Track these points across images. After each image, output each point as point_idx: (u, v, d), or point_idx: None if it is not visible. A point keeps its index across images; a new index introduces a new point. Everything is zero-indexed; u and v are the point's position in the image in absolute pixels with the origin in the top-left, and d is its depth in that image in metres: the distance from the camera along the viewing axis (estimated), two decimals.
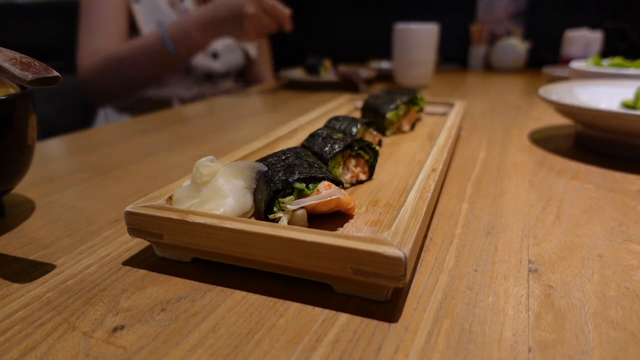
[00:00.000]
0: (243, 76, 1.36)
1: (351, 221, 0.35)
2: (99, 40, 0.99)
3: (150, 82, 1.06)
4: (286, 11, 0.98)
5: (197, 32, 0.94)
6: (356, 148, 0.43)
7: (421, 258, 0.32)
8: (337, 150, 0.41)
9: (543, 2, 1.58)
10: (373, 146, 0.44)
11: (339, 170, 0.42)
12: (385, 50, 1.37)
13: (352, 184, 0.43)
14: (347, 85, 1.11)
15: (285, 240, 0.27)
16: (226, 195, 0.33)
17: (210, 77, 1.18)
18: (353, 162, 0.43)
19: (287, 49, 1.74)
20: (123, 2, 1.04)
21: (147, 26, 1.07)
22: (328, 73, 1.20)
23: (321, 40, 2.10)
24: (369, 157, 0.44)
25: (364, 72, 1.14)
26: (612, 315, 0.26)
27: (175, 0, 1.10)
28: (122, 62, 0.96)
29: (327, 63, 1.22)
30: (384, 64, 1.40)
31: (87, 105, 1.13)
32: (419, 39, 1.08)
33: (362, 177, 0.44)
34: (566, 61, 1.19)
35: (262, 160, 0.37)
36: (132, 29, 1.07)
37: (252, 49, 1.28)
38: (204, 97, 1.06)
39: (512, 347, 0.23)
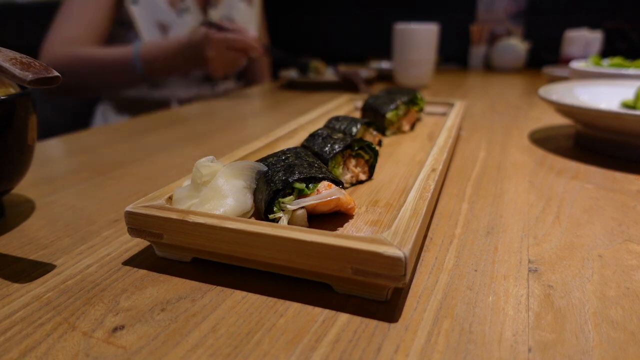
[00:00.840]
0: (243, 77, 1.36)
1: (351, 221, 0.35)
2: (71, 29, 0.97)
3: (107, 91, 1.07)
4: (251, 37, 0.96)
5: (164, 64, 0.95)
6: (356, 148, 0.43)
7: (421, 258, 0.32)
8: (337, 150, 0.41)
9: (543, 2, 1.58)
10: (373, 146, 0.44)
11: (339, 170, 0.42)
12: (385, 50, 1.36)
13: (352, 184, 0.43)
14: (347, 85, 1.11)
15: (285, 240, 0.27)
16: (226, 195, 0.33)
17: (209, 79, 1.18)
18: (353, 162, 0.43)
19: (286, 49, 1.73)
20: (111, 1, 1.02)
21: (147, 28, 1.06)
22: (321, 74, 1.18)
23: (321, 40, 2.10)
24: (369, 157, 0.44)
25: (364, 72, 1.14)
26: (612, 315, 0.26)
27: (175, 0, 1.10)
28: (85, 66, 0.95)
29: (319, 64, 1.18)
30: (384, 64, 1.40)
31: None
32: (419, 39, 1.08)
33: (362, 177, 0.44)
34: (566, 61, 1.19)
35: (262, 160, 0.37)
36: (125, 28, 1.07)
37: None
38: (203, 98, 1.06)
39: (512, 347, 0.23)
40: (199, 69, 0.97)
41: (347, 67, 1.29)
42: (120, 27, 1.06)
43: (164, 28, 1.09)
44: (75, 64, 0.95)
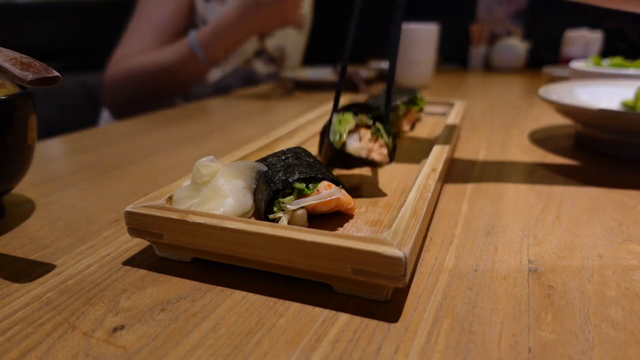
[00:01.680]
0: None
1: (351, 221, 0.35)
2: (138, 44, 0.91)
3: (172, 95, 1.01)
4: None
5: (223, 41, 0.88)
6: (373, 122, 0.39)
7: (421, 258, 0.32)
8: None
9: (543, 2, 1.58)
10: (389, 130, 0.40)
11: (345, 127, 0.38)
12: (385, 50, 1.36)
13: (364, 161, 0.39)
14: (347, 85, 1.11)
15: (285, 240, 0.27)
16: (226, 195, 0.33)
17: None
18: (368, 135, 0.39)
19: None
20: (186, 6, 0.96)
21: None
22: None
23: (321, 40, 2.10)
24: (388, 140, 0.39)
25: (364, 72, 1.14)
26: (612, 315, 0.26)
27: None
28: (149, 72, 0.90)
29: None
30: (384, 64, 1.40)
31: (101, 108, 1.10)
32: (419, 39, 1.08)
33: (376, 157, 0.39)
34: (566, 61, 1.19)
35: (262, 160, 0.37)
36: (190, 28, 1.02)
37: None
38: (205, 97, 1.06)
39: (512, 347, 0.23)
40: (270, 18, 0.89)
41: (333, 67, 1.29)
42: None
43: None
44: (138, 74, 0.90)
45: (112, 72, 0.93)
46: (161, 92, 0.97)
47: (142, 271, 0.31)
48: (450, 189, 0.45)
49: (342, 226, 0.35)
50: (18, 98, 0.36)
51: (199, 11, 0.99)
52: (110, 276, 0.30)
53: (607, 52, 1.27)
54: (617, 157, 0.53)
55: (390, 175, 0.45)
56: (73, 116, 1.22)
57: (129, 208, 0.31)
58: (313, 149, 0.51)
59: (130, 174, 0.52)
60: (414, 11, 1.79)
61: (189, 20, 0.99)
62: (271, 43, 1.16)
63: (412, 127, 0.64)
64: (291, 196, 0.33)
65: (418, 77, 1.12)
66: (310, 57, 1.32)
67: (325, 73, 1.23)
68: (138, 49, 0.92)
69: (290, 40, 1.22)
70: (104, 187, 0.48)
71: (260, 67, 1.15)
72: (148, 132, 0.74)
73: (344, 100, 0.74)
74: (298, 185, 0.33)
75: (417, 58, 1.09)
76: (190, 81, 0.97)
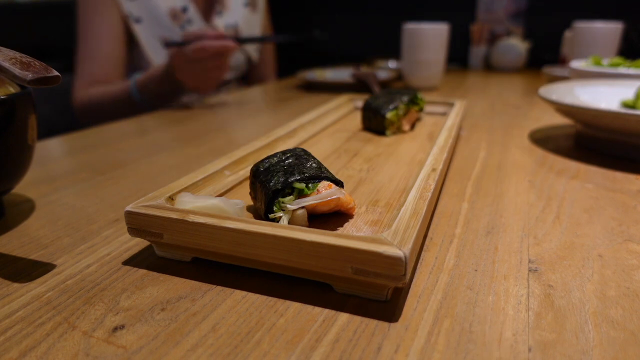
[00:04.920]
0: (246, 79, 1.35)
1: (351, 221, 0.35)
2: (92, 69, 1.05)
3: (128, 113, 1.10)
4: (210, 37, 0.84)
5: (155, 90, 0.96)
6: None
7: (421, 258, 0.32)
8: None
9: (543, 2, 1.58)
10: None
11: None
12: (386, 50, 1.36)
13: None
14: (359, 87, 1.05)
15: (285, 240, 0.27)
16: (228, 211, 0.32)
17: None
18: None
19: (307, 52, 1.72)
20: (119, 24, 1.05)
21: (150, 44, 1.07)
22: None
23: (322, 40, 2.10)
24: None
25: (383, 74, 1.10)
26: (612, 315, 0.26)
27: (178, 13, 1.09)
28: (96, 106, 1.04)
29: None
30: (391, 64, 1.39)
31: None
32: (429, 39, 1.05)
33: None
34: (566, 61, 1.19)
35: (262, 160, 0.37)
36: (132, 47, 1.08)
37: (253, 52, 1.28)
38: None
39: (512, 347, 0.23)
40: (183, 91, 0.94)
41: (354, 67, 1.27)
42: (131, 47, 1.09)
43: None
44: (89, 106, 1.04)
45: (79, 98, 1.06)
46: (118, 113, 1.05)
47: (142, 271, 0.31)
48: (450, 189, 0.45)
49: (342, 226, 0.35)
50: (18, 98, 0.36)
51: (133, 31, 1.07)
52: (110, 276, 0.30)
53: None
54: (617, 157, 0.53)
55: (390, 175, 0.45)
56: (73, 116, 1.22)
57: (129, 208, 0.31)
58: (313, 149, 0.51)
59: (130, 174, 0.52)
60: (415, 11, 1.80)
61: (128, 42, 1.09)
62: (221, 22, 1.16)
63: (412, 127, 0.64)
64: (291, 196, 0.33)
65: (428, 79, 1.08)
66: (326, 58, 1.31)
67: (345, 74, 1.17)
68: (97, 73, 1.05)
69: (242, 18, 1.21)
70: (104, 187, 0.48)
71: None
72: (148, 132, 0.74)
73: (344, 99, 0.74)
74: (298, 185, 0.33)
75: (427, 59, 1.06)
76: (130, 110, 1.03)
